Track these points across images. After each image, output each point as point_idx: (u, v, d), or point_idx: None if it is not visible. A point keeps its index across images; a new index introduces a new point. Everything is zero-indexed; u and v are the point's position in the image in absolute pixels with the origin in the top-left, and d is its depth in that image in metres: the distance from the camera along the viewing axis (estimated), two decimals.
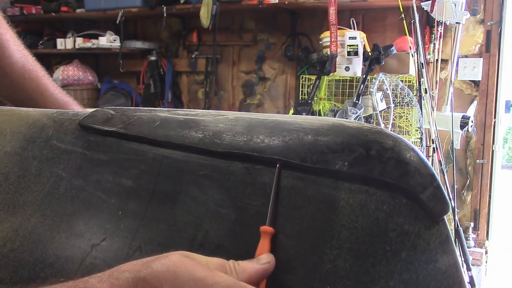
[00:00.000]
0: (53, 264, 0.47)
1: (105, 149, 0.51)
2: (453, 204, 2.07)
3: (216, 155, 0.45)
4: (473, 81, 2.73)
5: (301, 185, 0.41)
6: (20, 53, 0.77)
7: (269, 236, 0.40)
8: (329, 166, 0.40)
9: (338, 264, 0.38)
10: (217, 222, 0.43)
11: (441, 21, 2.33)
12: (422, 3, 2.37)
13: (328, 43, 2.55)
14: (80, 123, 0.54)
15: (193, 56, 3.47)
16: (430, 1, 2.31)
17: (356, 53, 2.49)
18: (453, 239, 0.38)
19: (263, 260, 0.39)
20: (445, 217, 0.38)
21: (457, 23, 2.36)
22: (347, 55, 2.51)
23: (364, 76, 2.46)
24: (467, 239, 2.58)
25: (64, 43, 3.58)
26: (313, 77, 2.67)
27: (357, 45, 2.49)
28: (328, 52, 2.54)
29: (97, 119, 0.53)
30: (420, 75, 2.23)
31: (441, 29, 2.39)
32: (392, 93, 2.48)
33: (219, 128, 0.46)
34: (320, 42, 2.72)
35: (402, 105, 2.50)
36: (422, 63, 2.23)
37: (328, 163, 0.40)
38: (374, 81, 2.39)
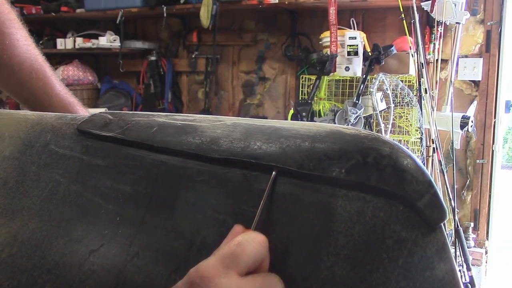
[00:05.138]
0: (51, 270, 0.47)
1: (103, 154, 0.51)
2: (453, 204, 2.06)
3: (214, 161, 0.45)
4: (473, 81, 2.73)
5: (298, 192, 0.41)
6: (29, 53, 0.78)
7: None
8: (326, 173, 0.40)
9: (335, 271, 0.38)
10: (215, 228, 0.43)
11: (441, 21, 2.33)
12: (422, 3, 2.37)
13: (328, 43, 2.55)
14: (78, 128, 0.54)
15: (193, 56, 3.48)
16: (430, 1, 2.31)
17: (356, 53, 2.49)
18: (450, 246, 0.38)
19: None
20: (442, 224, 0.37)
21: (457, 23, 2.36)
22: (347, 55, 2.51)
23: (364, 76, 2.46)
24: (467, 239, 2.58)
25: (64, 43, 3.59)
26: (313, 77, 2.67)
27: (357, 45, 2.49)
28: (328, 52, 2.54)
29: (95, 124, 0.53)
30: (420, 75, 2.23)
31: (441, 29, 2.39)
32: (392, 93, 2.48)
33: (216, 134, 0.46)
34: (320, 42, 2.72)
35: (402, 105, 2.50)
36: (422, 63, 2.23)
37: (325, 170, 0.40)
38: (374, 81, 2.39)
